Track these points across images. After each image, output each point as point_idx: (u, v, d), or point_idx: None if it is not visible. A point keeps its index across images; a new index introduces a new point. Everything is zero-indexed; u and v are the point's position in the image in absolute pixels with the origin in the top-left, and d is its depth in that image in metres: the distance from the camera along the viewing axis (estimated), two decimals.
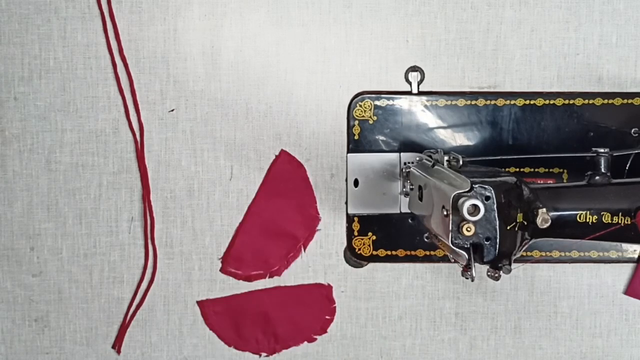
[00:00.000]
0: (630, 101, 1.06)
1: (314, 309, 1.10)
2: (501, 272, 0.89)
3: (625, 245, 1.08)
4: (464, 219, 0.84)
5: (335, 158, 1.08)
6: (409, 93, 1.07)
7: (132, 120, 1.07)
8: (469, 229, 0.85)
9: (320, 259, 1.09)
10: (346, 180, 1.07)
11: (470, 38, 1.07)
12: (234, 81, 1.07)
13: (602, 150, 0.96)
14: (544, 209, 0.89)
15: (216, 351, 1.10)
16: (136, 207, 1.09)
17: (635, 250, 1.08)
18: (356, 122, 1.06)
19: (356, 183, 1.07)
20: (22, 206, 1.08)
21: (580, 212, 0.93)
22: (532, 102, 1.06)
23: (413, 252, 1.08)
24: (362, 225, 1.08)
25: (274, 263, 1.09)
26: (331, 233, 1.09)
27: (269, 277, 1.09)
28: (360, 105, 1.06)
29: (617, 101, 1.06)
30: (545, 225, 0.89)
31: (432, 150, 1.00)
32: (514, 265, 0.90)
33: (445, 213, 0.87)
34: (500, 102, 1.06)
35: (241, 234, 1.08)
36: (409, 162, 1.05)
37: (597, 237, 0.93)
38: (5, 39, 1.06)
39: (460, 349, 1.11)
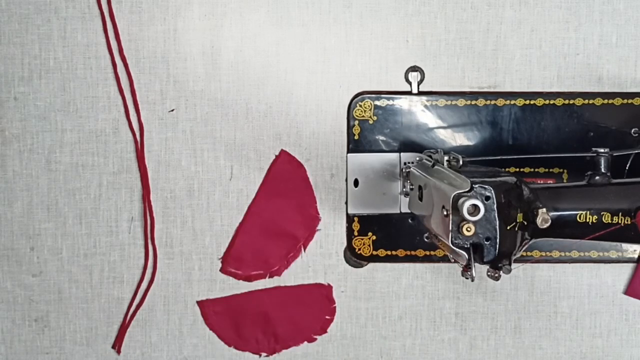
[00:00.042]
0: (630, 101, 1.06)
1: (314, 309, 1.10)
2: (501, 272, 0.89)
3: (625, 245, 1.08)
4: (464, 219, 0.84)
5: (335, 158, 1.08)
6: (409, 93, 1.07)
7: (132, 120, 1.07)
8: (469, 229, 0.85)
9: (320, 259, 1.09)
10: (346, 180, 1.07)
11: (470, 38, 1.07)
12: (234, 81, 1.07)
13: (602, 150, 0.96)
14: (544, 209, 0.89)
15: (216, 351, 1.10)
16: (136, 207, 1.09)
17: (635, 250, 1.08)
18: (356, 122, 1.07)
19: (356, 183, 1.07)
20: (22, 206, 1.08)
21: (580, 212, 0.93)
22: (532, 102, 1.06)
23: (413, 252, 1.08)
24: (362, 225, 1.08)
25: (274, 263, 1.09)
26: (331, 233, 1.09)
27: (269, 277, 1.09)
28: (360, 105, 1.06)
29: (617, 101, 1.06)
30: (545, 225, 0.89)
31: (432, 150, 1.00)
32: (514, 265, 0.90)
33: (445, 213, 0.87)
34: (500, 102, 1.06)
35: (241, 234, 1.08)
36: (409, 162, 1.05)
37: (597, 237, 0.93)
38: (5, 39, 1.06)
39: (460, 349, 1.11)
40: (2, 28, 1.06)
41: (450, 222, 0.86)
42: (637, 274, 1.09)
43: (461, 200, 0.84)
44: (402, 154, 1.06)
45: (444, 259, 1.07)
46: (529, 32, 1.07)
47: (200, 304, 1.10)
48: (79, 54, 1.07)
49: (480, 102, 1.06)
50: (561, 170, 1.07)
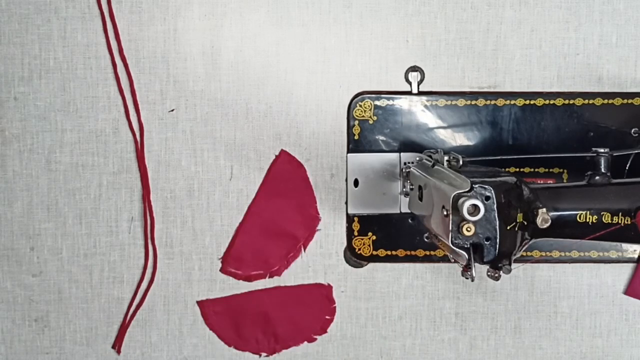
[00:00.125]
0: (630, 101, 1.06)
1: (314, 309, 1.10)
2: (501, 272, 0.89)
3: (625, 245, 1.08)
4: (464, 219, 0.84)
5: (335, 158, 1.08)
6: (409, 93, 1.07)
7: (132, 120, 1.07)
8: (469, 229, 0.85)
9: (320, 259, 1.09)
10: (346, 180, 1.07)
11: (470, 38, 1.07)
12: (234, 81, 1.07)
13: (602, 150, 0.96)
14: (544, 209, 0.89)
15: (216, 351, 1.10)
16: (136, 207, 1.09)
17: (635, 250, 1.08)
18: (356, 122, 1.07)
19: (356, 183, 1.07)
20: (22, 206, 1.08)
21: (580, 212, 0.93)
22: (532, 102, 1.06)
23: (413, 252, 1.08)
24: (362, 225, 1.08)
25: (274, 263, 1.09)
26: (331, 233, 1.09)
27: (269, 277, 1.09)
28: (360, 105, 1.06)
29: (617, 101, 1.06)
30: (545, 225, 0.89)
31: (432, 150, 1.00)
32: (514, 265, 0.90)
33: (445, 213, 0.87)
34: (500, 102, 1.06)
35: (241, 234, 1.08)
36: (409, 162, 1.05)
37: (597, 237, 0.93)
38: (5, 39, 1.06)
39: (460, 349, 1.11)
40: (2, 28, 1.06)
41: (450, 222, 0.86)
42: (637, 274, 1.09)
43: (461, 200, 0.84)
44: (402, 154, 1.06)
45: (444, 259, 1.07)
46: (529, 32, 1.07)
47: (200, 304, 1.10)
48: (79, 54, 1.07)
49: (480, 102, 1.06)
50: (561, 170, 1.07)
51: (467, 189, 0.85)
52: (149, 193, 1.08)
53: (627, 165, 1.04)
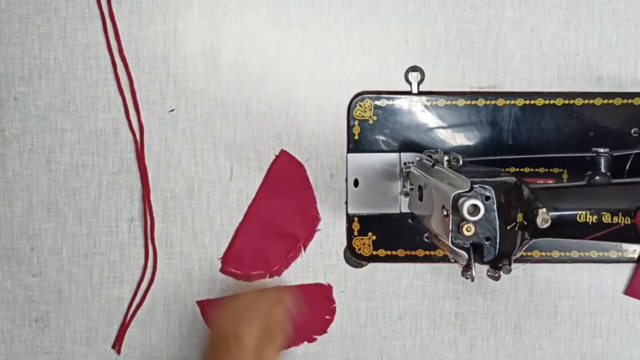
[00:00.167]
0: (630, 101, 1.06)
1: (314, 309, 1.10)
2: (501, 272, 0.89)
3: (625, 245, 1.08)
4: (464, 219, 0.84)
5: (335, 158, 1.08)
6: (409, 93, 1.07)
7: (132, 120, 1.07)
8: (469, 229, 0.85)
9: (320, 259, 1.09)
10: (346, 180, 1.07)
11: (470, 38, 1.07)
12: (234, 81, 1.07)
13: (602, 150, 0.96)
14: (544, 209, 0.89)
15: None
16: (136, 207, 1.09)
17: (635, 250, 1.08)
18: (356, 122, 1.07)
19: (356, 183, 1.07)
20: (22, 206, 1.08)
21: (580, 212, 0.93)
22: (532, 102, 1.06)
23: (413, 252, 1.08)
24: (362, 225, 1.08)
25: (274, 263, 1.09)
26: (331, 233, 1.09)
27: (269, 277, 1.09)
28: (360, 105, 1.06)
29: (617, 101, 1.06)
30: (545, 225, 0.89)
31: (432, 150, 1.00)
32: (514, 265, 0.90)
33: (445, 213, 0.87)
34: (500, 102, 1.06)
35: (241, 234, 1.08)
36: (409, 162, 1.05)
37: (597, 237, 0.93)
38: (5, 39, 1.06)
39: (460, 349, 1.11)
40: (2, 28, 1.06)
41: (450, 222, 0.86)
42: (637, 274, 1.09)
43: (461, 200, 0.84)
44: (402, 154, 1.06)
45: (444, 259, 1.07)
46: (529, 32, 1.07)
47: (200, 304, 1.10)
48: (79, 54, 1.07)
49: (480, 102, 1.06)
50: (561, 170, 1.07)
51: (467, 189, 0.85)
52: (149, 193, 1.08)
53: (627, 165, 1.04)
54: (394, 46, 1.07)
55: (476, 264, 0.88)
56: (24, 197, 1.08)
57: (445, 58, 1.07)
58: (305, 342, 1.10)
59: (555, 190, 0.95)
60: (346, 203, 1.07)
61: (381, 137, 1.06)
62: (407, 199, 1.04)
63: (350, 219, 1.08)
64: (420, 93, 1.07)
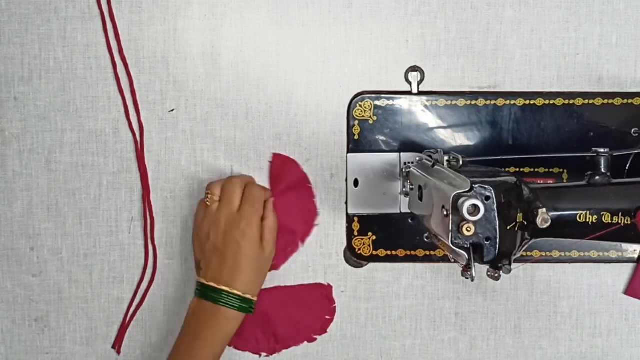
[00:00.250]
0: (630, 101, 1.06)
1: (314, 309, 1.10)
2: (501, 272, 0.89)
3: (625, 245, 1.08)
4: (464, 219, 0.84)
5: (335, 158, 1.08)
6: (409, 93, 1.07)
7: (132, 120, 1.07)
8: (469, 229, 0.85)
9: (320, 259, 1.09)
10: (346, 180, 1.07)
11: (470, 38, 1.07)
12: (234, 81, 1.07)
13: (602, 150, 0.96)
14: (544, 209, 0.89)
15: None
16: (136, 207, 1.09)
17: (635, 250, 1.08)
18: (356, 122, 1.07)
19: (356, 183, 1.07)
20: (22, 206, 1.08)
21: (580, 212, 0.93)
22: (532, 102, 1.06)
23: (413, 252, 1.08)
24: (362, 225, 1.08)
25: None
26: (331, 233, 1.09)
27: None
28: (360, 105, 1.06)
29: (617, 101, 1.06)
30: (545, 225, 0.89)
31: (432, 150, 1.00)
32: (514, 265, 0.90)
33: (445, 213, 0.87)
34: (500, 102, 1.06)
35: None
36: (409, 162, 1.05)
37: (597, 237, 0.93)
38: (5, 39, 1.06)
39: (460, 349, 1.11)
40: (2, 28, 1.06)
41: (450, 222, 0.86)
42: (637, 274, 1.09)
43: (461, 200, 0.84)
44: (402, 154, 1.06)
45: (444, 259, 1.07)
46: (529, 32, 1.07)
47: None
48: (79, 54, 1.07)
49: (480, 102, 1.06)
50: (561, 170, 1.07)
51: (467, 189, 0.85)
52: (149, 193, 1.08)
53: (627, 165, 1.04)
54: (394, 46, 1.07)
55: (476, 264, 0.88)
56: (24, 197, 1.08)
57: (445, 58, 1.07)
58: (305, 342, 1.10)
59: (555, 190, 0.95)
60: (346, 203, 1.07)
61: (381, 137, 1.07)
62: (407, 199, 1.04)
63: (350, 219, 1.08)
64: (420, 93, 1.07)
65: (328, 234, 1.09)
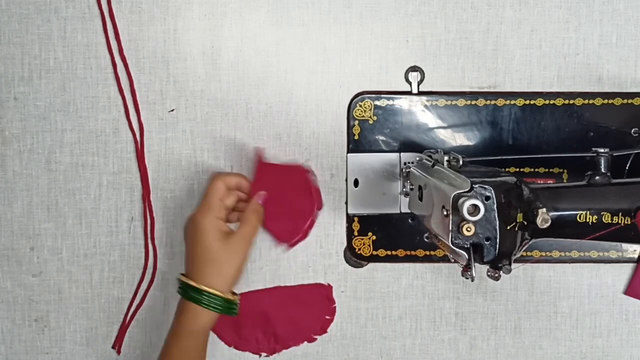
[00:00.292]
0: (630, 101, 1.06)
1: (314, 309, 1.10)
2: (501, 272, 0.89)
3: (625, 245, 1.08)
4: (464, 219, 0.84)
5: (335, 158, 1.08)
6: (409, 93, 1.07)
7: (132, 120, 1.07)
8: (469, 229, 0.85)
9: (320, 259, 1.09)
10: (346, 180, 1.07)
11: (470, 38, 1.07)
12: (234, 81, 1.07)
13: (602, 150, 0.96)
14: (544, 209, 0.89)
15: (216, 351, 1.10)
16: (136, 207, 1.09)
17: (635, 250, 1.08)
18: (356, 122, 1.07)
19: (356, 183, 1.07)
20: (22, 206, 1.08)
21: (580, 212, 0.93)
22: (532, 102, 1.06)
23: (413, 252, 1.08)
24: (362, 225, 1.08)
25: (291, 236, 1.07)
26: (331, 233, 1.09)
27: (291, 247, 1.07)
28: (360, 105, 1.06)
29: (617, 101, 1.06)
30: (545, 225, 0.89)
31: (432, 150, 1.00)
32: (514, 265, 0.90)
33: (445, 213, 0.87)
34: (500, 102, 1.06)
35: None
36: (409, 162, 1.05)
37: (597, 237, 0.93)
38: (5, 39, 1.06)
39: (460, 349, 1.11)
40: (2, 28, 1.06)
41: (450, 222, 0.86)
42: (637, 274, 1.09)
43: (461, 200, 0.84)
44: (402, 154, 1.06)
45: (444, 259, 1.07)
46: (529, 32, 1.07)
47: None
48: (79, 54, 1.07)
49: (480, 102, 1.06)
50: (561, 170, 1.07)
51: (467, 189, 0.86)
52: (149, 193, 1.08)
53: (627, 165, 1.04)
54: (394, 46, 1.07)
55: (476, 264, 0.88)
56: (24, 197, 1.08)
57: (445, 58, 1.07)
58: (305, 342, 1.10)
59: (555, 190, 0.95)
60: (346, 203, 1.07)
61: (381, 137, 1.07)
62: (407, 199, 1.04)
63: (350, 219, 1.08)
64: (420, 93, 1.07)
65: (328, 234, 1.09)
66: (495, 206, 0.86)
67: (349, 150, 1.07)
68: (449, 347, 1.11)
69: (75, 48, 1.06)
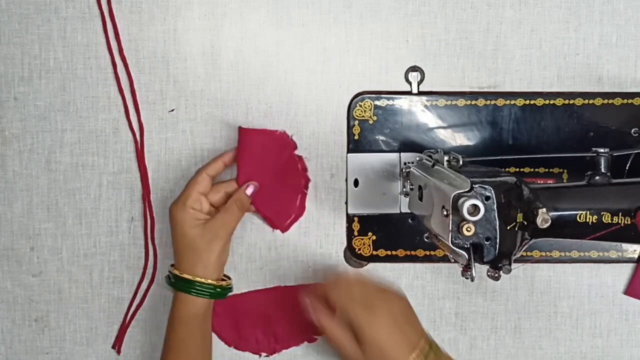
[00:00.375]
0: (630, 101, 1.06)
1: None
2: (501, 272, 0.89)
3: (625, 245, 1.08)
4: (464, 219, 0.84)
5: (335, 158, 1.08)
6: (409, 93, 1.07)
7: (132, 120, 1.07)
8: (469, 229, 0.85)
9: (320, 259, 1.09)
10: (346, 180, 1.07)
11: (470, 38, 1.07)
12: (234, 81, 1.07)
13: (602, 150, 0.96)
14: (544, 209, 0.89)
15: (216, 351, 1.10)
16: (136, 207, 1.09)
17: (635, 250, 1.08)
18: (356, 122, 1.07)
19: (356, 183, 1.07)
20: (22, 206, 1.08)
21: (580, 212, 0.93)
22: (532, 102, 1.06)
23: (413, 252, 1.08)
24: (362, 225, 1.08)
25: (290, 212, 1.07)
26: (331, 233, 1.09)
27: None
28: (360, 105, 1.06)
29: (617, 101, 1.06)
30: (545, 225, 0.89)
31: (432, 150, 1.00)
32: (514, 265, 0.90)
33: (445, 213, 0.87)
34: (500, 102, 1.06)
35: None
36: (409, 162, 1.05)
37: (597, 237, 0.93)
38: (5, 39, 1.06)
39: (460, 349, 1.11)
40: (2, 28, 1.06)
41: (450, 222, 0.86)
42: (637, 274, 1.09)
43: (461, 200, 0.84)
44: (402, 154, 1.06)
45: (444, 259, 1.07)
46: (529, 32, 1.07)
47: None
48: (79, 54, 1.07)
49: (480, 102, 1.06)
50: (561, 170, 1.07)
51: (467, 189, 0.86)
52: (149, 193, 1.08)
53: (627, 165, 1.04)
54: (394, 46, 1.07)
55: (476, 264, 0.88)
56: (24, 197, 1.08)
57: (445, 58, 1.07)
58: (305, 342, 1.10)
59: (555, 190, 0.95)
60: (346, 203, 1.07)
61: (381, 137, 1.07)
62: (407, 199, 1.04)
63: (350, 219, 1.08)
64: (420, 93, 1.07)
65: (328, 234, 1.09)
66: (495, 206, 0.86)
67: (349, 150, 1.07)
68: (449, 347, 1.10)
69: (75, 48, 1.06)
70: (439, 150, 0.98)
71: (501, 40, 1.07)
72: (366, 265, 1.09)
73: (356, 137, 1.07)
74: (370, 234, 1.08)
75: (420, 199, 0.97)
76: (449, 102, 1.06)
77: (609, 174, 0.96)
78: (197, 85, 1.07)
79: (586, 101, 1.06)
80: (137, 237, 1.09)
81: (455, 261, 0.90)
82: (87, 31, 1.06)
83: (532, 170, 1.07)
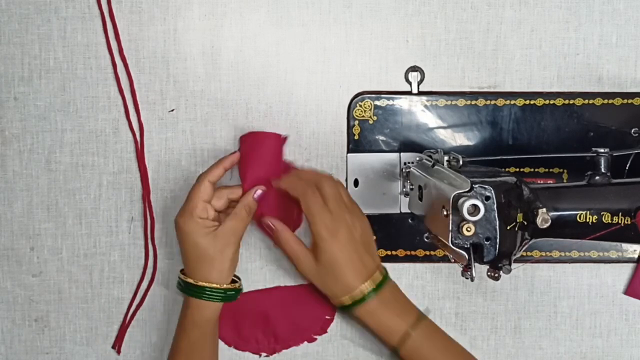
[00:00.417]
0: (630, 101, 1.06)
1: (314, 309, 1.09)
2: (501, 272, 0.89)
3: (625, 245, 1.08)
4: (464, 219, 0.85)
5: (335, 158, 1.08)
6: (409, 93, 1.07)
7: (132, 120, 1.07)
8: (469, 229, 0.85)
9: None
10: (346, 180, 1.07)
11: (470, 38, 1.07)
12: (234, 81, 1.07)
13: (602, 150, 0.96)
14: (544, 209, 0.89)
15: None
16: (136, 207, 1.09)
17: (635, 250, 1.08)
18: (356, 122, 1.07)
19: (356, 183, 1.07)
20: (22, 206, 1.08)
21: (580, 212, 0.93)
22: (532, 102, 1.06)
23: (413, 252, 1.08)
24: None
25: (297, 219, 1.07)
26: None
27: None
28: (360, 105, 1.06)
29: (617, 101, 1.06)
30: (545, 225, 0.89)
31: (432, 150, 1.00)
32: (514, 265, 0.90)
33: (445, 213, 0.87)
34: (500, 102, 1.06)
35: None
36: (409, 162, 1.05)
37: (597, 237, 0.93)
38: (5, 39, 1.06)
39: None
40: (2, 28, 1.06)
41: (450, 222, 0.86)
42: (637, 274, 1.09)
43: (461, 200, 0.84)
44: (402, 154, 1.06)
45: (444, 259, 1.07)
46: (529, 32, 1.07)
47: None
48: (79, 54, 1.07)
49: (480, 102, 1.06)
50: (561, 170, 1.07)
51: (467, 189, 0.86)
52: (149, 193, 1.08)
53: (627, 165, 1.04)
54: (394, 46, 1.07)
55: (476, 264, 0.88)
56: (24, 197, 1.08)
57: (445, 58, 1.07)
58: (305, 342, 1.10)
59: (555, 190, 0.95)
60: None
61: (381, 137, 1.07)
62: (407, 199, 1.04)
63: None
64: (420, 93, 1.07)
65: None
66: (495, 206, 0.86)
67: (349, 150, 1.07)
68: None
69: (75, 48, 1.06)
70: (439, 150, 0.98)
71: (501, 40, 1.07)
72: None
73: (356, 137, 1.07)
74: None
75: (420, 199, 0.97)
76: (449, 102, 1.06)
77: (609, 174, 0.96)
78: (197, 85, 1.07)
79: (586, 101, 1.06)
80: (137, 237, 1.09)
81: (455, 261, 0.90)
82: (87, 31, 1.06)
83: (532, 170, 1.07)
